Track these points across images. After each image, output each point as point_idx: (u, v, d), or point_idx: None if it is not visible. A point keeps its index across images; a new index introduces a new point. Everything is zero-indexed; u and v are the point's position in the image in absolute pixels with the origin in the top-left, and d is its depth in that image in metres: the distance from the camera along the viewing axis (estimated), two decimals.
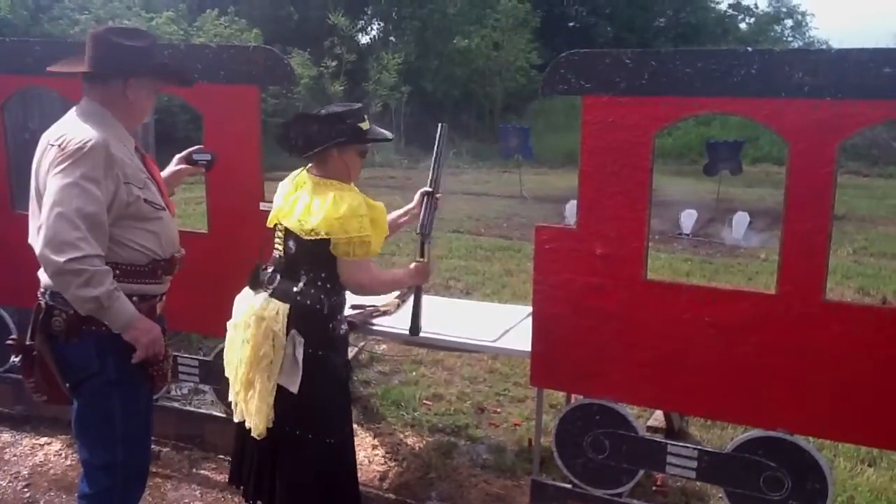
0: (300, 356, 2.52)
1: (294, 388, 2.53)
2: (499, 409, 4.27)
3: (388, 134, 2.76)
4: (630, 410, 2.96)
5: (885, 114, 2.51)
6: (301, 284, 2.60)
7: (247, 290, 2.71)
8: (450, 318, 3.34)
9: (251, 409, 2.62)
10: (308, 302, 2.57)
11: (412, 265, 2.81)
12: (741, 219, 9.72)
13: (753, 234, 9.90)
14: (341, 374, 2.68)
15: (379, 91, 21.65)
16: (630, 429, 2.90)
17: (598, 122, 2.82)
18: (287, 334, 2.54)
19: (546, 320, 2.96)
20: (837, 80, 2.49)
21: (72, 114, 2.31)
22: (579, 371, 2.92)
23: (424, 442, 3.81)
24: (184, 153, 2.85)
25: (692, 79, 2.67)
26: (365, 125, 2.62)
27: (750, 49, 2.69)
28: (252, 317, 2.59)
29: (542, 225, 2.99)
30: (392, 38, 26.03)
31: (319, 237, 2.50)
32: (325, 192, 2.56)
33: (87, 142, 2.15)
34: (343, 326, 2.70)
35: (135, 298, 2.27)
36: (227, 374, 2.75)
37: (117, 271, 2.21)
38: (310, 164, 2.66)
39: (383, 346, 5.06)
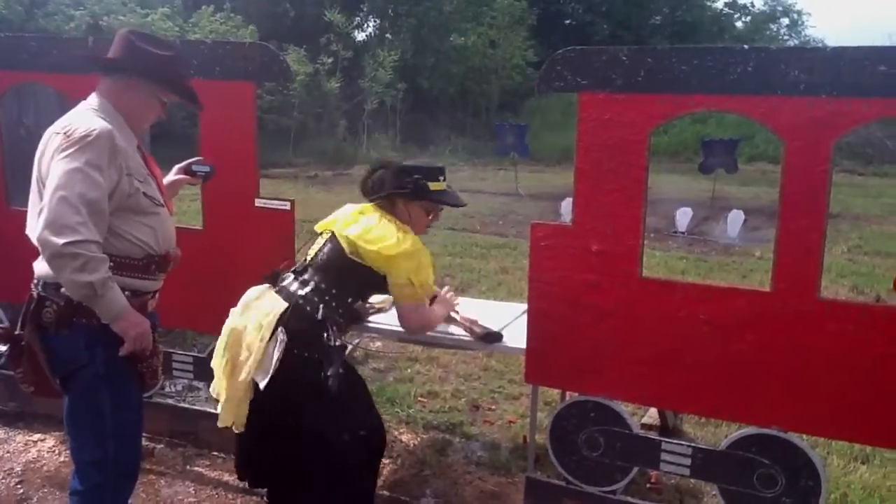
0: (276, 355, 2.49)
1: (262, 384, 2.50)
2: (493, 407, 4.27)
3: (460, 200, 2.84)
4: (625, 408, 2.96)
5: (880, 112, 2.52)
6: (308, 290, 2.61)
7: (263, 287, 2.72)
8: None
9: (224, 395, 2.62)
10: (308, 308, 2.57)
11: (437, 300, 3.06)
12: (736, 217, 9.74)
13: (748, 233, 9.92)
14: (330, 384, 2.53)
15: (374, 88, 21.61)
16: (625, 426, 2.90)
17: (594, 119, 2.82)
18: (273, 331, 2.53)
19: (541, 317, 2.96)
20: (833, 78, 2.49)
21: (79, 107, 2.35)
22: (574, 368, 2.92)
23: (419, 439, 3.81)
24: (183, 164, 2.87)
25: (688, 76, 2.67)
26: (435, 185, 2.73)
27: (746, 47, 2.69)
28: (246, 303, 2.63)
29: (537, 222, 2.99)
30: (388, 36, 25.97)
31: (363, 263, 2.60)
32: (389, 225, 2.65)
33: (93, 130, 2.18)
34: (338, 340, 2.59)
35: (127, 293, 2.26)
36: (213, 363, 2.72)
37: (111, 263, 2.21)
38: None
39: (378, 344, 5.05)
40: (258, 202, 3.27)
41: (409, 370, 4.76)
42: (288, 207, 3.25)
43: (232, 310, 2.72)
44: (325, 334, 2.56)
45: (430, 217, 2.83)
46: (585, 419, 2.95)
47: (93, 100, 2.35)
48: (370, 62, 22.16)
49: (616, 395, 2.92)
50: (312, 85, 20.53)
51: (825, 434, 2.93)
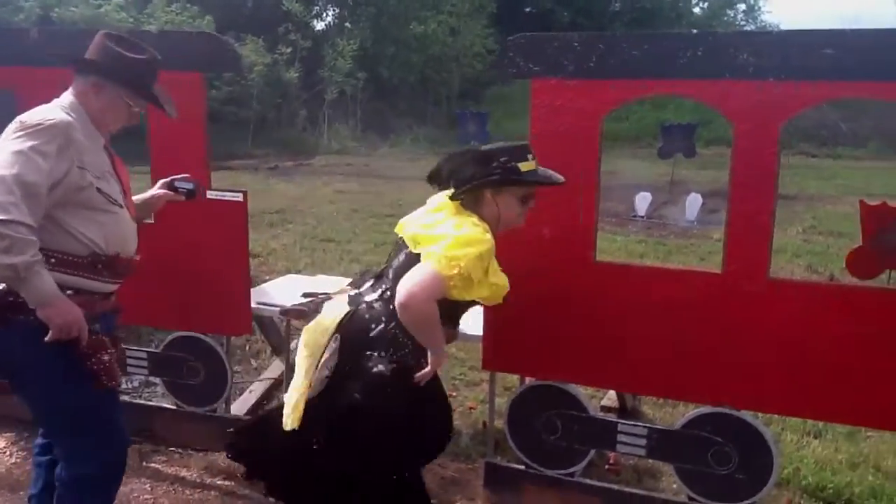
0: (329, 364, 2.29)
1: (315, 391, 2.32)
2: (454, 394, 4.27)
3: (556, 177, 2.46)
4: (582, 391, 2.98)
5: (827, 94, 2.56)
6: (375, 296, 2.36)
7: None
8: None
9: (289, 398, 2.42)
10: (367, 316, 2.31)
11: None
12: (694, 200, 9.88)
13: (706, 215, 10.06)
14: (341, 405, 2.24)
15: (334, 78, 21.51)
16: (581, 409, 2.92)
17: (547, 105, 2.84)
18: (331, 337, 2.32)
19: (497, 304, 2.96)
20: (781, 62, 2.53)
21: (50, 102, 2.31)
22: (531, 354, 2.93)
23: None
24: (167, 179, 2.78)
25: (640, 61, 2.69)
26: (525, 165, 2.35)
27: (695, 32, 2.72)
28: (329, 311, 2.42)
29: None
30: (348, 24, 25.82)
31: None
32: (460, 218, 2.30)
33: (48, 119, 2.16)
34: (381, 364, 2.22)
35: (69, 291, 2.21)
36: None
37: (53, 259, 2.17)
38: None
39: None
40: (210, 194, 3.21)
41: None
42: (241, 198, 3.21)
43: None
44: (369, 354, 2.24)
45: (526, 205, 2.44)
46: (543, 403, 2.96)
47: (65, 97, 2.32)
48: (329, 52, 22.03)
49: (572, 379, 2.94)
50: (271, 75, 20.35)
51: (776, 411, 2.99)
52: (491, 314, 2.97)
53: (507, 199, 2.38)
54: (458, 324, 2.49)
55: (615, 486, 3.00)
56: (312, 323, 2.43)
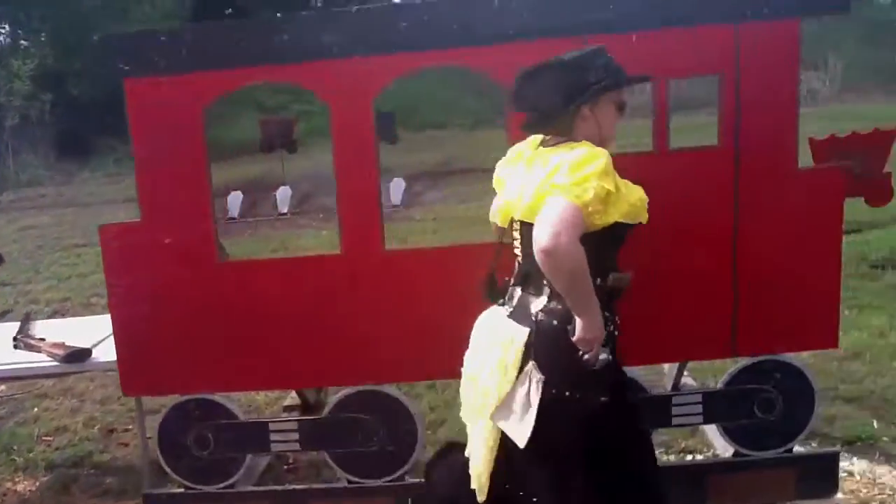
0: (535, 399, 1.91)
1: (520, 440, 1.92)
2: (130, 426, 3.95)
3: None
4: (231, 398, 2.87)
5: (411, 64, 2.64)
6: (544, 299, 1.97)
7: (492, 309, 2.10)
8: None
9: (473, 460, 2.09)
10: (555, 322, 1.93)
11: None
12: (398, 184, 10.12)
13: (412, 198, 10.38)
14: (598, 423, 1.93)
15: (13, 102, 19.33)
16: (230, 416, 2.80)
17: (144, 105, 2.71)
18: (521, 368, 1.94)
19: (126, 324, 2.76)
20: (362, 38, 2.58)
21: None
22: (167, 371, 2.76)
23: (38, 483, 3.39)
24: None
25: (232, 51, 2.63)
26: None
27: (280, 15, 2.71)
28: (493, 345, 2.03)
29: (105, 224, 2.78)
30: (24, 42, 23.38)
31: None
32: (554, 149, 1.95)
33: None
34: (602, 356, 1.91)
35: None
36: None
37: None
38: (541, 139, 2.03)
39: (1, 387, 4.46)
40: None
41: (36, 409, 4.23)
42: None
43: (468, 357, 2.14)
44: (583, 353, 1.89)
45: (622, 114, 2.05)
46: (190, 419, 2.81)
47: None
48: (3, 74, 19.78)
49: (214, 388, 2.80)
50: None
51: (415, 378, 3.10)
52: (122, 336, 2.75)
53: (606, 110, 2.00)
54: (611, 266, 2.02)
55: (280, 487, 2.94)
56: (473, 371, 2.08)
